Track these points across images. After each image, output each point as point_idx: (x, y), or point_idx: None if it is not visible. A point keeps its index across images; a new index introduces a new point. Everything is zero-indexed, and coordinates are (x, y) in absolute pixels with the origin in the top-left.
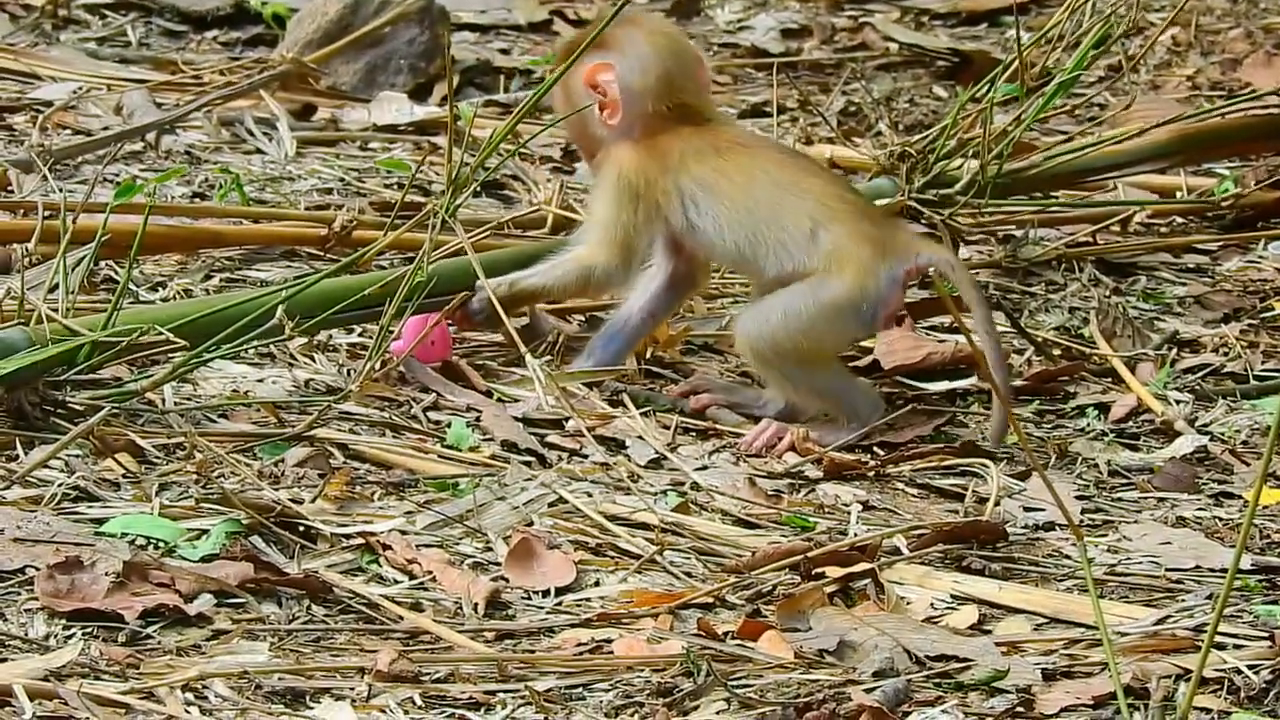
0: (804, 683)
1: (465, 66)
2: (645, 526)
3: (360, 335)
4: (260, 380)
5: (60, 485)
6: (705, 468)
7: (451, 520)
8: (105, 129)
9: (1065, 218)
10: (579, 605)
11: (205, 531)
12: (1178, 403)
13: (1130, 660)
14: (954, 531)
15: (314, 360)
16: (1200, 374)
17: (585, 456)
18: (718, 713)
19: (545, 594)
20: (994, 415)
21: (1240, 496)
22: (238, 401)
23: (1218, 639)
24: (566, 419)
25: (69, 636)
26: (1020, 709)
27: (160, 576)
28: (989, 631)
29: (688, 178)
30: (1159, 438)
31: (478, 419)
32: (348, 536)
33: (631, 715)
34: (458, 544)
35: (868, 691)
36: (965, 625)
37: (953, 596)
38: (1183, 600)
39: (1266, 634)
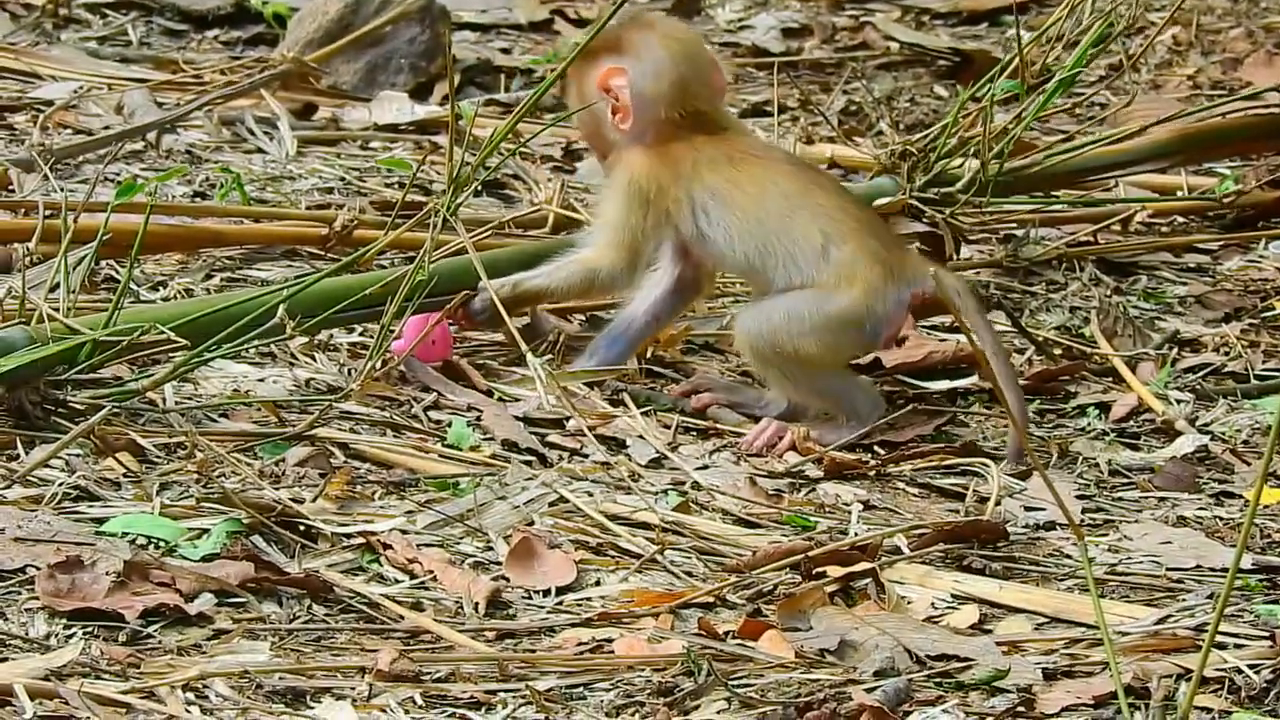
0: (805, 682)
1: (466, 66)
2: (646, 526)
3: (361, 335)
4: (261, 380)
5: (61, 484)
6: (706, 467)
7: (452, 520)
8: (106, 128)
9: (1066, 217)
10: (580, 605)
11: (206, 531)
12: (1178, 402)
13: (1131, 660)
14: (955, 531)
15: (315, 360)
16: (1201, 373)
17: (586, 456)
18: (718, 712)
19: (546, 593)
20: (1011, 438)
21: (1241, 496)
22: (238, 401)
23: (1218, 638)
24: (567, 418)
25: (70, 636)
26: (1021, 708)
27: (161, 576)
28: (990, 631)
29: (700, 186)
30: (1160, 437)
31: (478, 418)
32: (348, 536)
33: (632, 715)
34: (458, 543)
35: (868, 691)
36: (966, 625)
37: (953, 596)
38: (1183, 600)
39: (1267, 633)
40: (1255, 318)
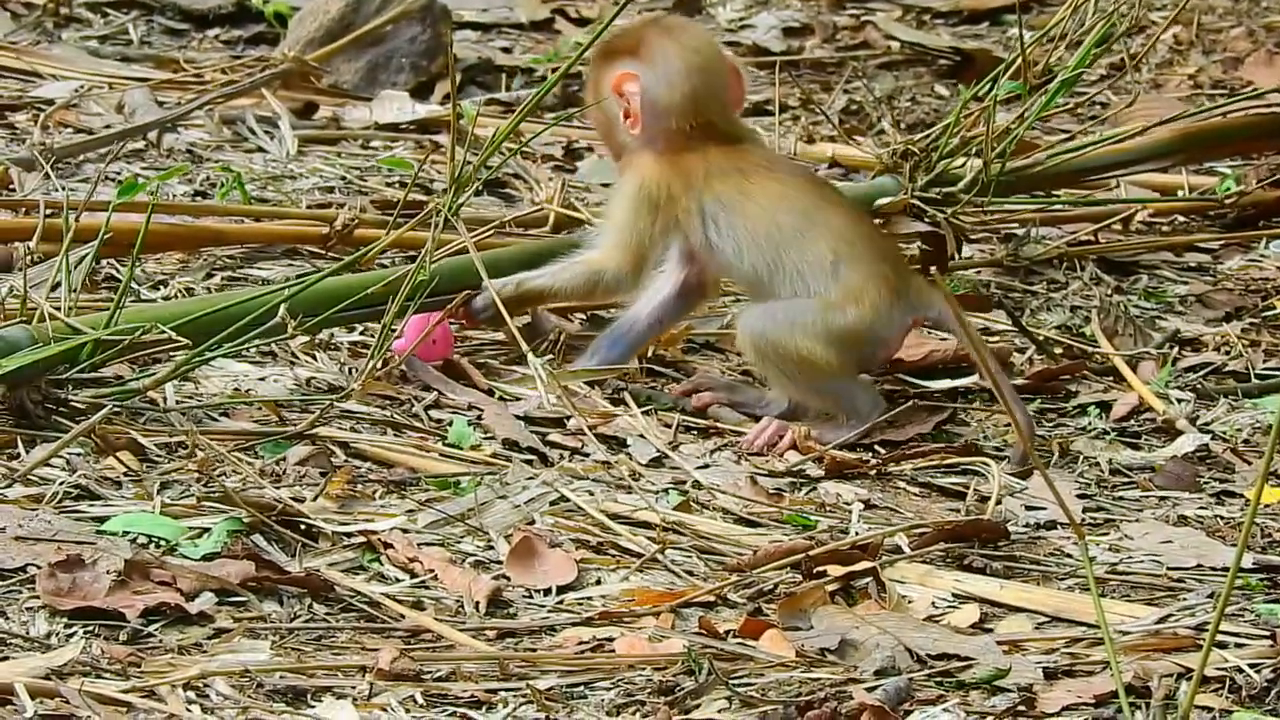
0: (805, 681)
1: (467, 65)
2: (647, 525)
3: (362, 334)
4: (262, 379)
5: (62, 483)
6: (707, 466)
7: (453, 519)
8: (107, 127)
9: (1067, 216)
10: (580, 604)
11: (207, 530)
12: (1179, 401)
13: (1132, 659)
14: (955, 530)
15: (315, 359)
16: (1202, 373)
17: (587, 455)
18: (719, 711)
19: (547, 592)
20: (1015, 447)
21: (1242, 495)
22: (239, 400)
23: (1219, 638)
24: (568, 417)
25: (70, 635)
26: (1022, 708)
27: (162, 575)
28: (990, 630)
29: (710, 197)
30: (1160, 436)
31: (479, 417)
32: (349, 535)
33: (633, 714)
34: (459, 542)
35: (869, 690)
36: (967, 624)
37: (954, 595)
38: (1184, 599)
39: (1268, 633)
40: (1256, 317)
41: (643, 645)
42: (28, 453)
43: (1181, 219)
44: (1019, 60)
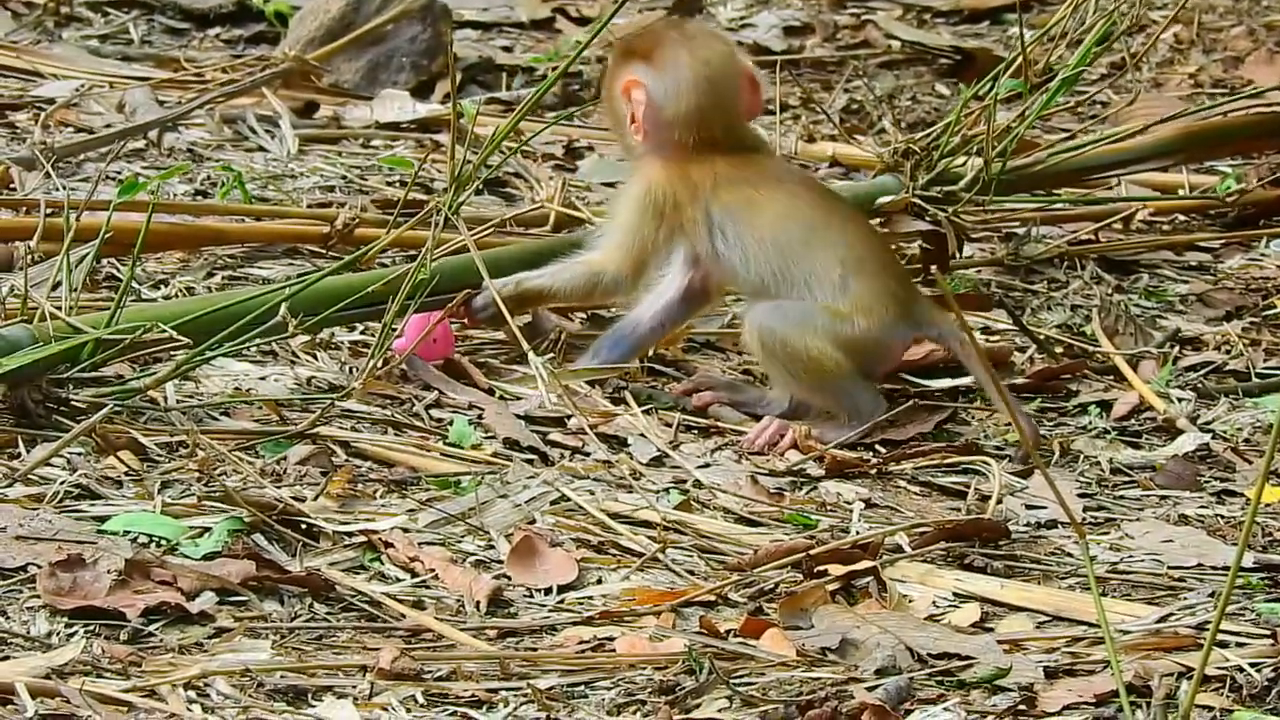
0: (806, 681)
1: (467, 64)
2: (647, 524)
3: (363, 333)
4: (262, 378)
5: (62, 483)
6: (707, 465)
7: (453, 518)
8: (108, 127)
9: (1068, 215)
10: (581, 603)
11: (207, 529)
12: (1180, 400)
13: (1132, 658)
14: (956, 529)
15: (316, 358)
16: (1202, 372)
17: (587, 454)
18: (720, 711)
19: (547, 592)
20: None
21: (1242, 494)
22: (240, 399)
23: (1220, 637)
24: (569, 417)
25: (71, 634)
26: (1022, 707)
27: (162, 574)
28: (991, 629)
29: (718, 206)
30: (1161, 435)
31: (480, 417)
32: (350, 534)
33: (634, 713)
34: (460, 542)
35: (870, 689)
36: (967, 623)
37: (955, 594)
38: (1185, 598)
39: (1268, 632)
40: (1256, 316)
41: (643, 645)
42: (28, 452)
43: (1182, 218)
44: (1019, 59)
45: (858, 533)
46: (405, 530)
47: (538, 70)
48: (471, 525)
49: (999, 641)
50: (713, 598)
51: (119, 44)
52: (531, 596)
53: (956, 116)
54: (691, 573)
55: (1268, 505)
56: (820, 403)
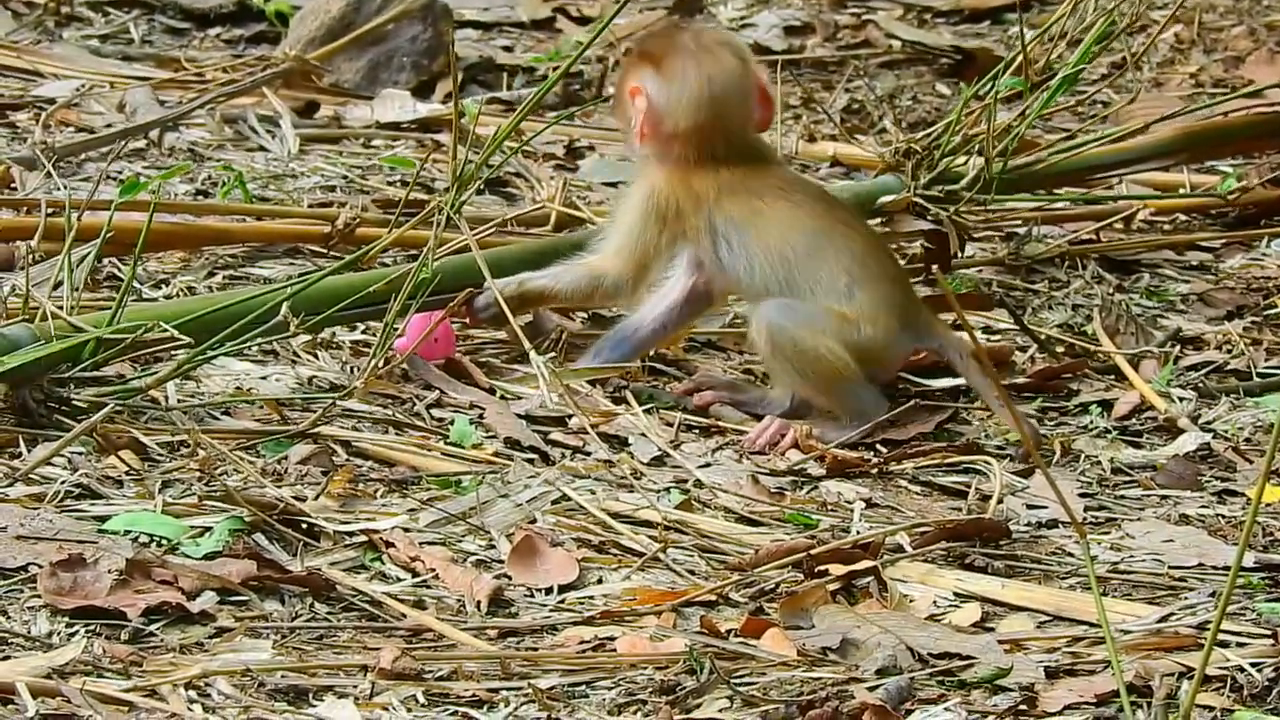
0: (807, 680)
1: (468, 64)
2: (648, 524)
3: (364, 333)
4: (263, 378)
5: (63, 482)
6: (708, 465)
7: (454, 518)
8: (108, 126)
9: (1069, 215)
10: (582, 603)
11: (208, 529)
12: (1181, 400)
13: (1133, 658)
14: (957, 529)
15: (317, 358)
16: (1203, 371)
17: (588, 454)
18: (721, 711)
19: (548, 591)
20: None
21: (1243, 494)
22: (241, 399)
23: (1220, 637)
24: (570, 416)
25: (72, 634)
26: (1023, 707)
27: (163, 574)
28: (992, 629)
29: (721, 215)
30: (1162, 435)
31: (481, 416)
32: (350, 534)
33: (634, 713)
34: (460, 541)
35: (870, 689)
36: (968, 623)
37: (955, 594)
38: (1185, 598)
39: (1269, 632)
40: (1257, 315)
41: (644, 644)
42: (29, 451)
43: (1183, 217)
44: (1020, 58)
45: (858, 532)
46: (406, 530)
47: (538, 70)
48: (472, 525)
49: (1000, 641)
50: (714, 597)
51: (119, 44)
52: (532, 596)
53: (957, 116)
54: (692, 572)
55: (1268, 505)
56: (824, 402)
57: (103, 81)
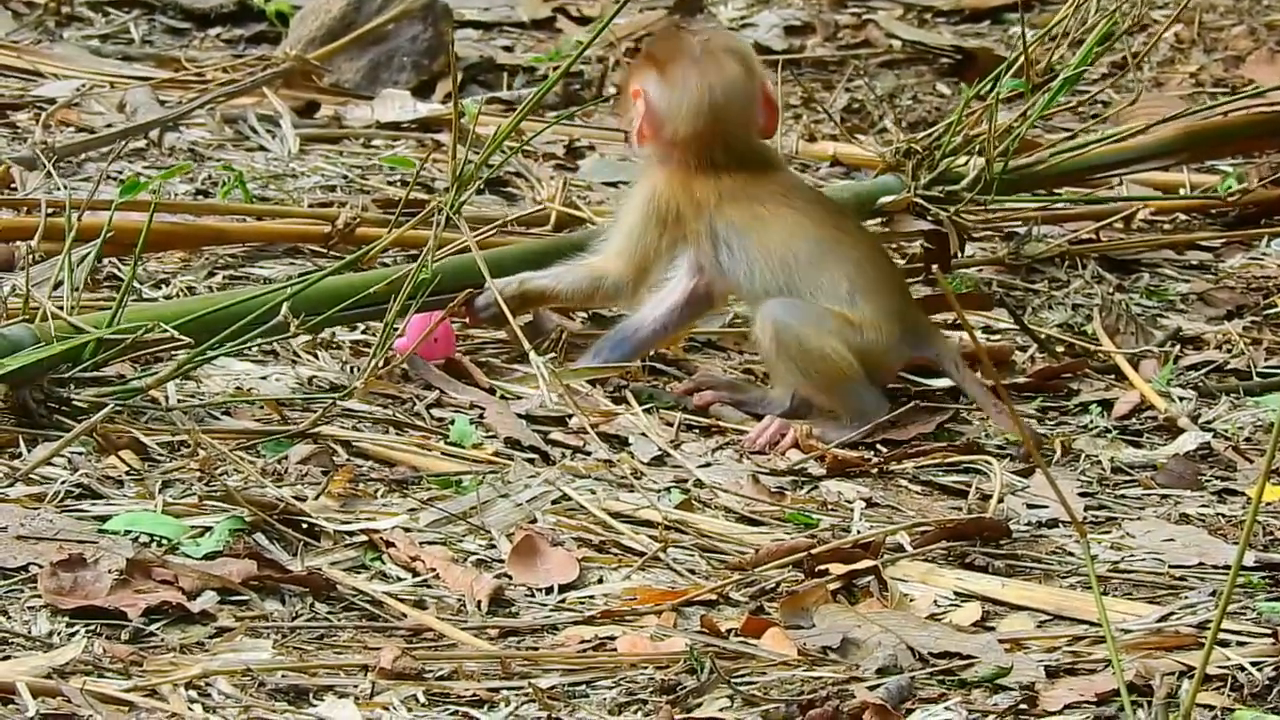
0: (807, 680)
1: (468, 64)
2: (649, 524)
3: (364, 333)
4: (264, 378)
5: (64, 482)
6: (708, 465)
7: (455, 517)
8: (109, 126)
9: (1069, 215)
10: (582, 602)
11: (208, 529)
12: (1181, 400)
13: (1133, 657)
14: (957, 528)
15: (317, 357)
16: (1203, 371)
17: (588, 453)
18: (721, 710)
19: (548, 591)
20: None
21: (1243, 493)
22: (241, 399)
23: (1221, 636)
24: (570, 416)
25: (72, 634)
26: (1023, 706)
27: (163, 574)
28: (992, 628)
29: (722, 221)
30: (1162, 435)
31: (481, 416)
32: (351, 534)
33: (635, 712)
34: (461, 541)
35: (871, 689)
36: (968, 622)
37: (956, 593)
38: (1186, 597)
39: (1269, 631)
40: (1257, 315)
41: (645, 644)
42: (30, 452)
43: (1183, 217)
44: (1021, 58)
45: (859, 532)
46: (406, 530)
47: (539, 70)
48: (473, 524)
49: (1000, 640)
50: (714, 597)
51: (120, 44)
52: (533, 596)
53: (958, 116)
54: (693, 572)
55: (1269, 504)
56: (825, 402)
57: (103, 81)
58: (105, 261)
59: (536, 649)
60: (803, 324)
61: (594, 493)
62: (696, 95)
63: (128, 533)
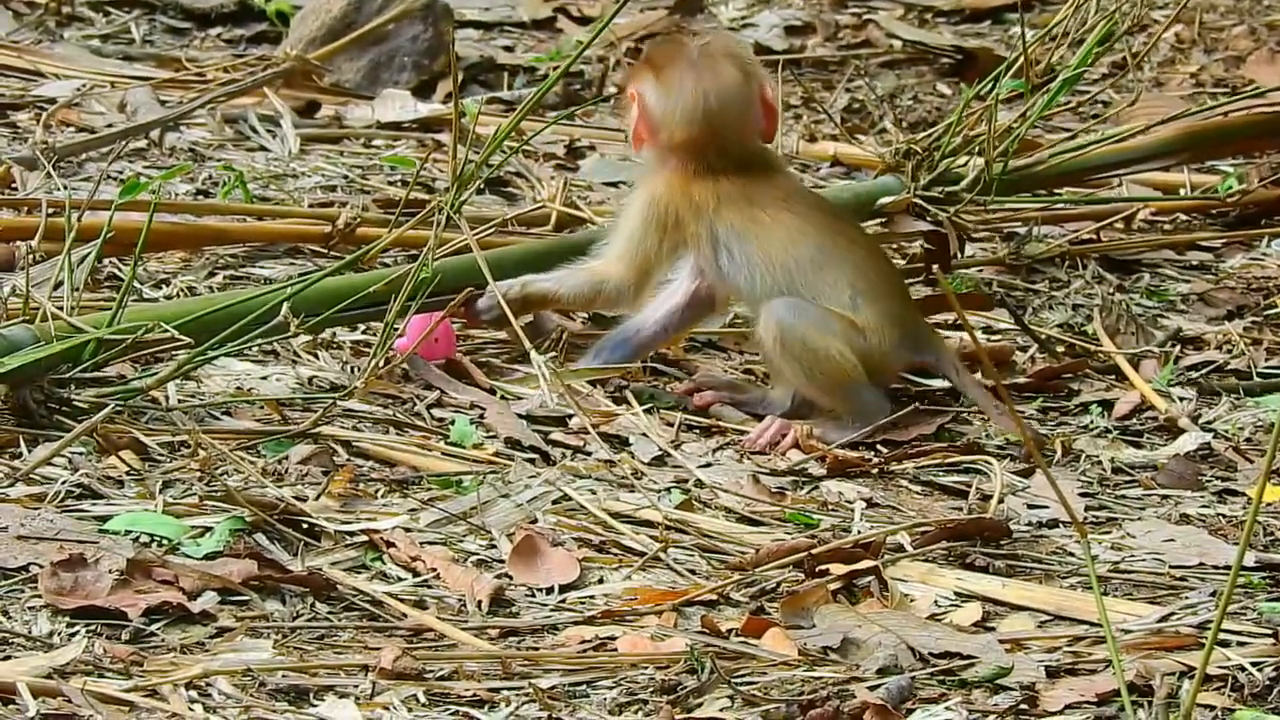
0: (808, 680)
1: (469, 64)
2: (649, 524)
3: (364, 333)
4: (264, 378)
5: (64, 483)
6: (709, 465)
7: (455, 517)
8: (109, 126)
9: (1069, 215)
10: (583, 602)
11: (209, 529)
12: (1181, 400)
13: (1134, 657)
14: (958, 529)
15: (318, 358)
16: (1204, 371)
17: (589, 454)
18: (721, 710)
19: (549, 591)
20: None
21: (1244, 494)
22: (241, 399)
23: (1221, 636)
24: (570, 416)
25: (73, 634)
26: (1024, 706)
27: (164, 574)
28: (992, 629)
29: (723, 225)
30: (1162, 435)
31: (481, 416)
32: (351, 534)
33: (635, 712)
34: (461, 541)
35: (871, 689)
36: (969, 622)
37: (956, 594)
38: (1186, 597)
39: (1270, 631)
40: (1258, 315)
41: (645, 644)
42: (30, 452)
43: (1183, 217)
44: (1021, 59)
45: (859, 532)
46: (407, 530)
47: (539, 70)
48: (473, 525)
49: (1000, 641)
50: (714, 597)
51: (120, 44)
52: (533, 596)
53: (958, 116)
54: (693, 572)
55: (1269, 504)
56: (827, 402)
57: (103, 81)
58: (105, 261)
59: (537, 649)
60: (806, 324)
61: (594, 493)
62: (691, 100)
63: (128, 533)
